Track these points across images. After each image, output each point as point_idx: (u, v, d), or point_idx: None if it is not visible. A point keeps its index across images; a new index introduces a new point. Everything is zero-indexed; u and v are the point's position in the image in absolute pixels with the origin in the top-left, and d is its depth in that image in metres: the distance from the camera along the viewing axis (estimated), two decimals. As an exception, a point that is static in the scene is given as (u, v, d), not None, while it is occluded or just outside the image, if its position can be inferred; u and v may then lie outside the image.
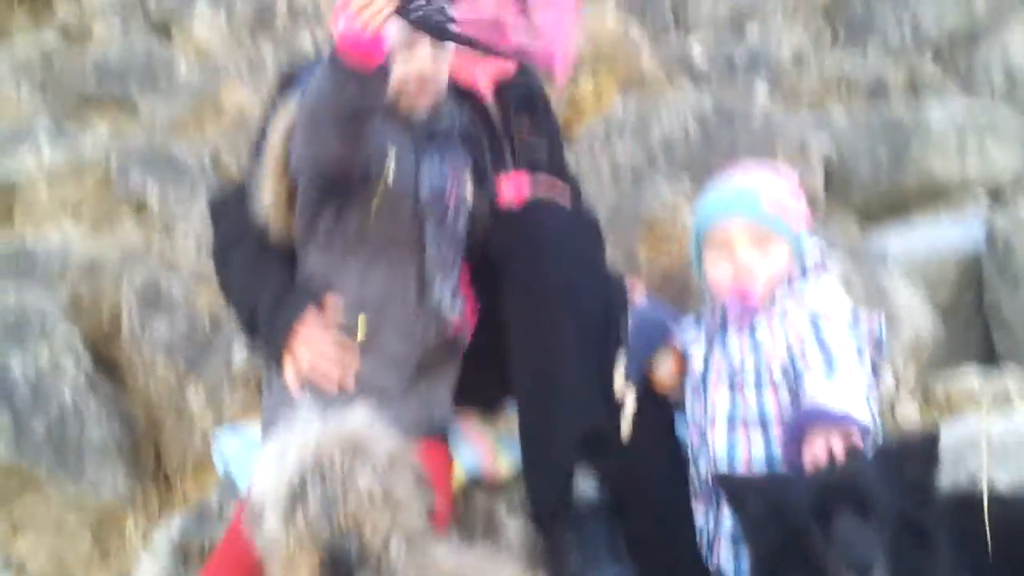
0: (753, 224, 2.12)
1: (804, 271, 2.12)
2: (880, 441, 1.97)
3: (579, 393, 2.20)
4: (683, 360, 2.22)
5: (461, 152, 2.36)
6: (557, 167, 2.77)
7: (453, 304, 2.23)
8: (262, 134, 2.29)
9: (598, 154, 4.06)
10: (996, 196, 4.18)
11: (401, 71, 2.17)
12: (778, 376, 2.03)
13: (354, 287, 2.23)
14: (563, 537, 2.29)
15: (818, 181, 4.05)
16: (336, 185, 2.15)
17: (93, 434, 3.31)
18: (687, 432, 2.21)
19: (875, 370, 2.08)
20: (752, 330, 2.09)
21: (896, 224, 4.01)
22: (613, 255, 3.16)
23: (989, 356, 3.43)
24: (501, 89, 2.64)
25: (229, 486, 2.54)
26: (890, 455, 1.85)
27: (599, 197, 3.71)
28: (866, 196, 4.30)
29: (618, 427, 2.18)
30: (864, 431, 1.88)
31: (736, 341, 2.11)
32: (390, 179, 2.16)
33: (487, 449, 2.44)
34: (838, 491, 1.78)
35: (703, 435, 2.13)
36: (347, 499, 1.67)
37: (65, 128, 5.06)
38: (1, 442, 3.16)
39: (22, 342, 3.37)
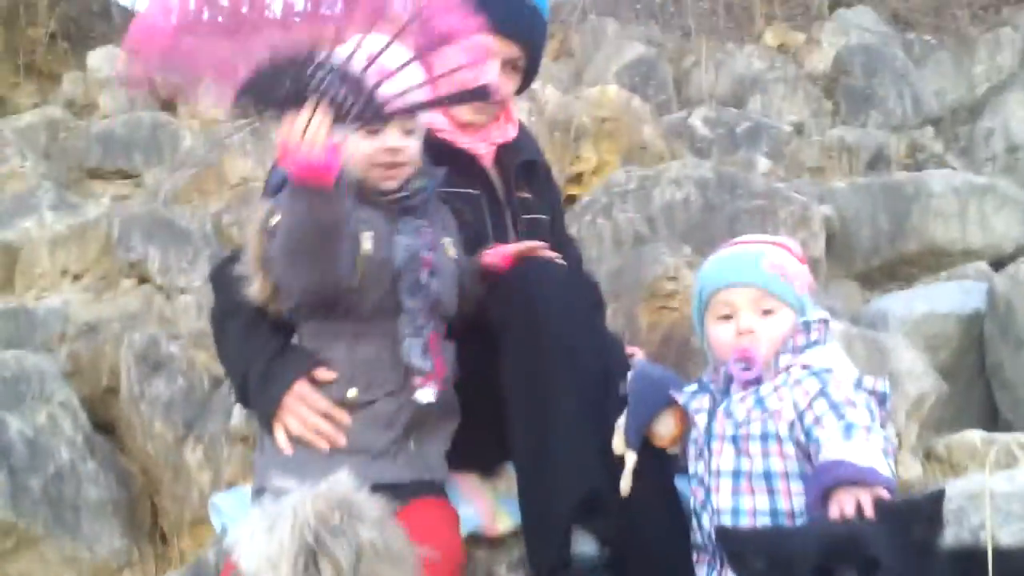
0: (756, 290, 2.12)
1: (807, 336, 2.11)
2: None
3: (576, 457, 2.17)
4: (684, 416, 2.20)
5: (440, 215, 2.37)
6: (558, 233, 2.78)
7: (424, 362, 2.22)
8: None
9: (600, 220, 4.07)
10: (998, 265, 4.17)
11: (368, 148, 2.20)
12: (784, 432, 2.01)
13: (344, 355, 2.22)
14: (564, 594, 2.25)
15: (820, 247, 4.04)
16: (324, 301, 2.16)
17: (90, 492, 3.30)
18: (688, 487, 2.18)
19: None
20: (757, 390, 2.08)
21: (897, 290, 4.01)
22: (614, 320, 3.16)
23: (992, 417, 3.41)
24: (501, 155, 2.65)
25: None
26: (895, 513, 1.81)
27: (600, 262, 3.72)
28: (868, 262, 4.31)
29: (617, 490, 2.16)
30: (890, 487, 1.84)
31: (740, 402, 2.09)
32: (370, 251, 2.17)
33: (486, 508, 2.42)
34: (841, 549, 1.74)
35: (707, 491, 2.10)
36: (362, 554, 1.67)
37: (68, 198, 5.11)
38: (-2, 499, 3.14)
39: (20, 402, 3.35)
